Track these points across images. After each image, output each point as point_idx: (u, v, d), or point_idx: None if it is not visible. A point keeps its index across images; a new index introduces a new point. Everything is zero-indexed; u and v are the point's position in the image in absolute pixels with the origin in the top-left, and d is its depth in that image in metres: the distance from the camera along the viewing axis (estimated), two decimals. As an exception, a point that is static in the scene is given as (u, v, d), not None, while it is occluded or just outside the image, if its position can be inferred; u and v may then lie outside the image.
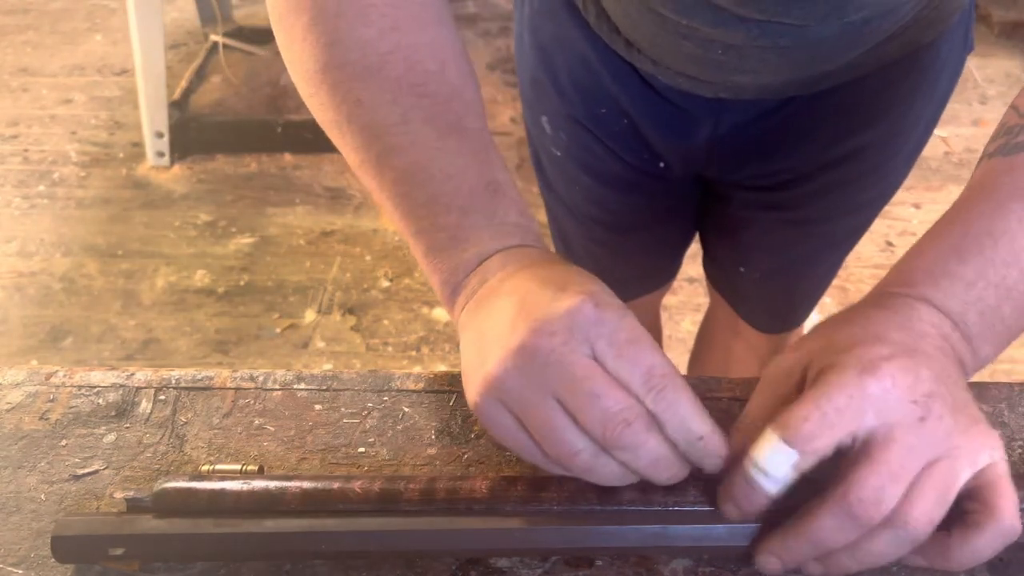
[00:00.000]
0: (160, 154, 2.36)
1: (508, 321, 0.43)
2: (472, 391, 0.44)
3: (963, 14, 0.73)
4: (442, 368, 1.82)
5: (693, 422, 0.42)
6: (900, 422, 0.40)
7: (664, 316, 1.89)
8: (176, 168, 2.38)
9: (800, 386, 0.44)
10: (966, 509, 0.42)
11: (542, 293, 0.43)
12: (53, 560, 0.46)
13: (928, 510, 0.40)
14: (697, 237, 1.01)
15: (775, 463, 0.41)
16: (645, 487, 0.47)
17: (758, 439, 0.42)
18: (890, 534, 0.40)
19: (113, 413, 0.56)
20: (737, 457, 0.43)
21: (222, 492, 0.47)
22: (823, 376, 0.42)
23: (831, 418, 0.40)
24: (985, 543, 0.42)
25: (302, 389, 0.58)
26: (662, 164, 0.82)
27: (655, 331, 1.24)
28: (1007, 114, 0.54)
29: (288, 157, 2.40)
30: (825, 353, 0.44)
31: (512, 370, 0.42)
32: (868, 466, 0.40)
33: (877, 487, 0.40)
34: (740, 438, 0.44)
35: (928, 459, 0.40)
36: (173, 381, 0.58)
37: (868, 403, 0.40)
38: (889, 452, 0.40)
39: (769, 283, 0.93)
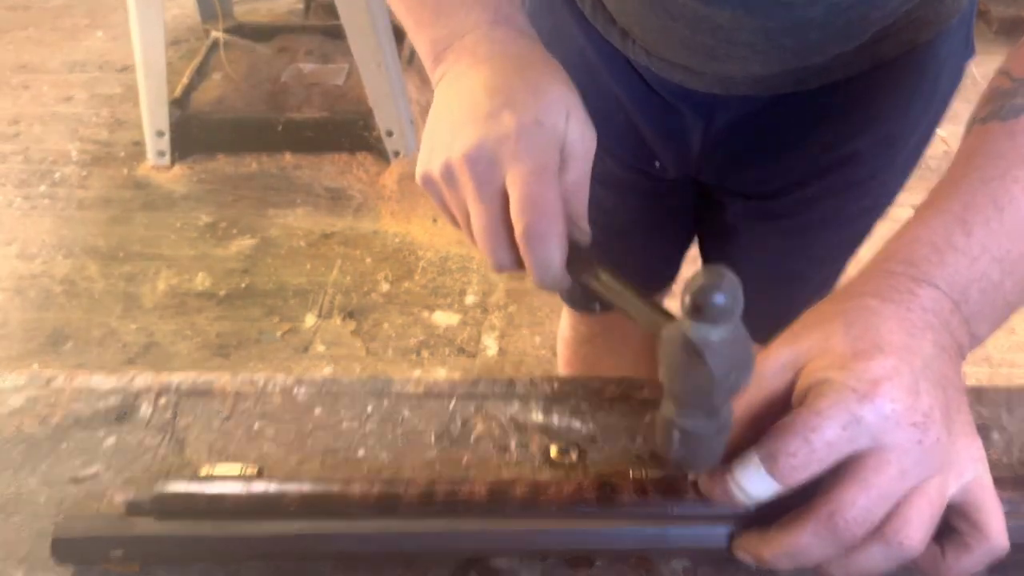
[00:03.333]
0: (161, 153, 2.36)
1: (457, 122, 0.50)
2: (419, 165, 0.53)
3: (962, 17, 0.72)
4: (442, 372, 1.82)
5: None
6: (897, 446, 0.39)
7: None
8: (177, 168, 2.38)
9: (791, 386, 0.43)
10: (956, 528, 0.42)
11: (489, 102, 0.50)
12: (53, 562, 0.47)
13: (923, 530, 0.40)
14: (697, 245, 1.00)
15: (757, 488, 0.41)
16: (644, 488, 0.47)
17: (742, 457, 0.41)
18: (885, 551, 0.40)
19: (113, 417, 0.56)
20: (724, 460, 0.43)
21: (222, 495, 0.47)
22: (817, 397, 0.40)
23: (820, 453, 0.39)
24: (976, 562, 0.42)
25: (302, 393, 0.58)
26: (658, 164, 0.82)
27: (653, 339, 1.23)
28: (997, 79, 0.52)
29: (288, 157, 2.40)
30: (821, 359, 0.42)
31: (442, 168, 0.50)
32: (858, 487, 0.39)
33: (865, 508, 0.39)
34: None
35: (920, 479, 0.40)
36: (173, 385, 0.58)
37: (862, 430, 0.39)
38: (881, 476, 0.39)
39: (766, 294, 0.92)
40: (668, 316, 0.43)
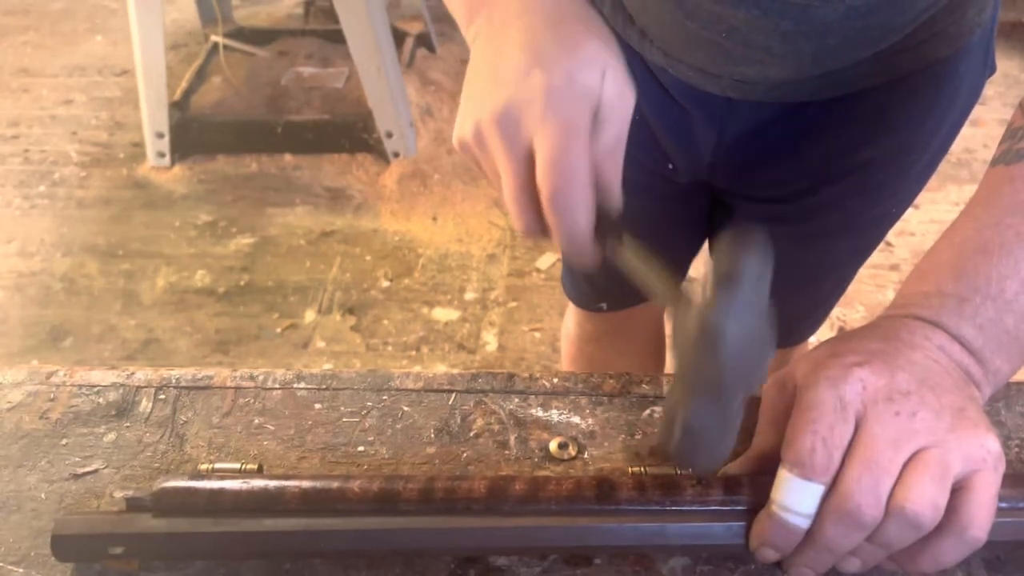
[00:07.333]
0: (161, 154, 2.37)
1: (488, 83, 0.48)
2: (455, 129, 0.50)
3: (983, 33, 0.71)
4: (442, 368, 1.82)
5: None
6: (878, 418, 0.42)
7: (664, 316, 1.89)
8: (176, 168, 2.38)
9: (793, 398, 0.46)
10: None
11: (518, 61, 0.47)
12: (53, 559, 0.47)
13: (926, 495, 0.40)
14: (707, 250, 1.00)
15: (803, 500, 0.42)
16: (642, 484, 0.47)
17: (776, 482, 0.43)
18: (898, 527, 0.41)
19: (113, 412, 0.56)
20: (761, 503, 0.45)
21: (221, 491, 0.47)
22: (801, 398, 0.44)
23: (831, 439, 0.42)
24: (949, 549, 0.42)
25: (302, 388, 0.58)
26: (671, 166, 0.81)
27: (658, 340, 1.23)
28: (1014, 114, 0.54)
29: (288, 157, 2.40)
30: (804, 368, 0.46)
31: (473, 131, 0.48)
32: (858, 465, 0.41)
33: (871, 488, 0.41)
34: (755, 465, 0.47)
35: (913, 449, 0.42)
36: (173, 380, 0.58)
37: (849, 409, 0.42)
38: (873, 450, 0.41)
39: (775, 299, 0.92)
40: (686, 298, 0.43)
